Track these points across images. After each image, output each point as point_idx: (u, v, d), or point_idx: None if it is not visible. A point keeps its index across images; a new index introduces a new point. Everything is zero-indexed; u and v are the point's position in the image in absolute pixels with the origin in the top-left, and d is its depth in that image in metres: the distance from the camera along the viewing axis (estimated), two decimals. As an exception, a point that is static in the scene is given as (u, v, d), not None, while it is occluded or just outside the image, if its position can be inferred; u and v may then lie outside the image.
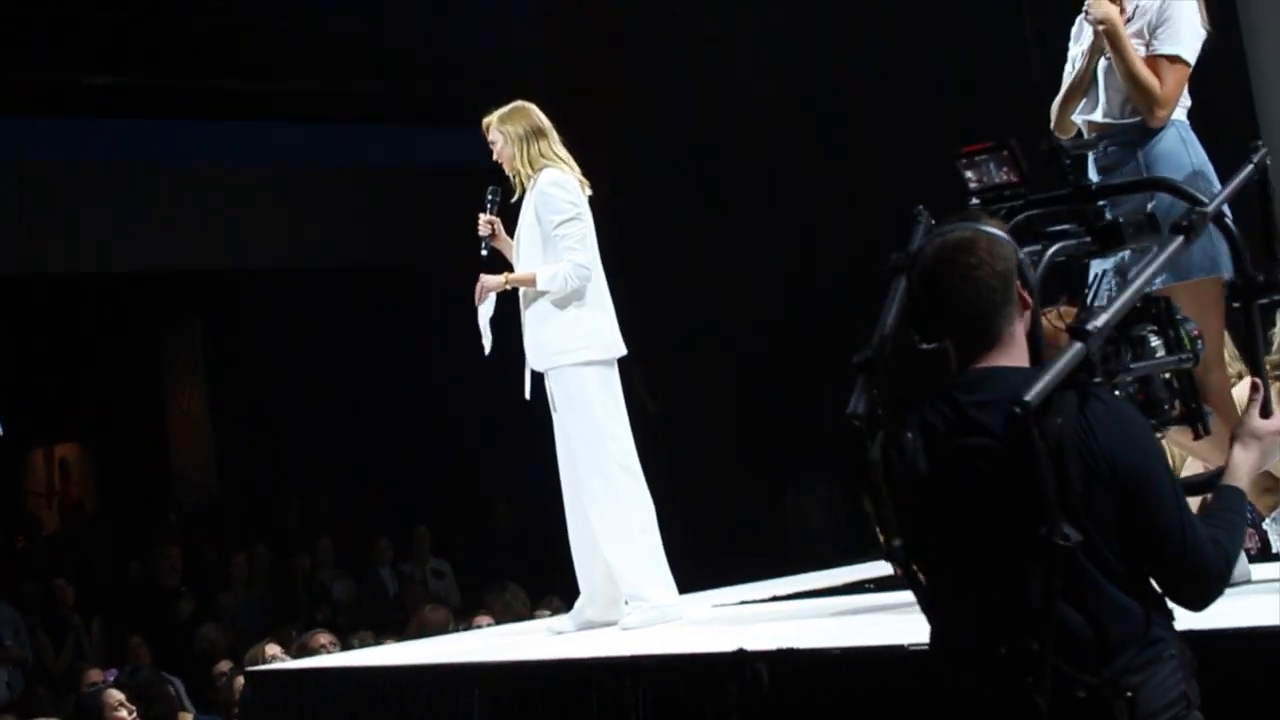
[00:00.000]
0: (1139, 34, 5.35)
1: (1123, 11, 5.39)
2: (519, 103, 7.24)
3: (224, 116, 15.95)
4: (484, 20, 16.15)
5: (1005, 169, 4.34)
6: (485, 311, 7.18)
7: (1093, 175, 5.32)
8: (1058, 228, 4.58)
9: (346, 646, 9.64)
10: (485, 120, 7.22)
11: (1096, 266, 5.22)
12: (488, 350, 7.21)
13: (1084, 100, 5.47)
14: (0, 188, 14.86)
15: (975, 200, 4.28)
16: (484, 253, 7.21)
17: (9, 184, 14.89)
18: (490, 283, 7.12)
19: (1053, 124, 5.52)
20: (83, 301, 17.47)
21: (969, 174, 4.36)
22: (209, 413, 18.55)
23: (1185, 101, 5.43)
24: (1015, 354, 3.50)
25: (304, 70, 16.33)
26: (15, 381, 16.18)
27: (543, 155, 7.09)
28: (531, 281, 7.03)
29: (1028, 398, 3.29)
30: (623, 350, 7.14)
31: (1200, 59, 5.40)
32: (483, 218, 7.21)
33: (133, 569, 14.25)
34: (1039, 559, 3.29)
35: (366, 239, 16.73)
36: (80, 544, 16.40)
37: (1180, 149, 5.22)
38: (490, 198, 7.21)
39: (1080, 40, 5.53)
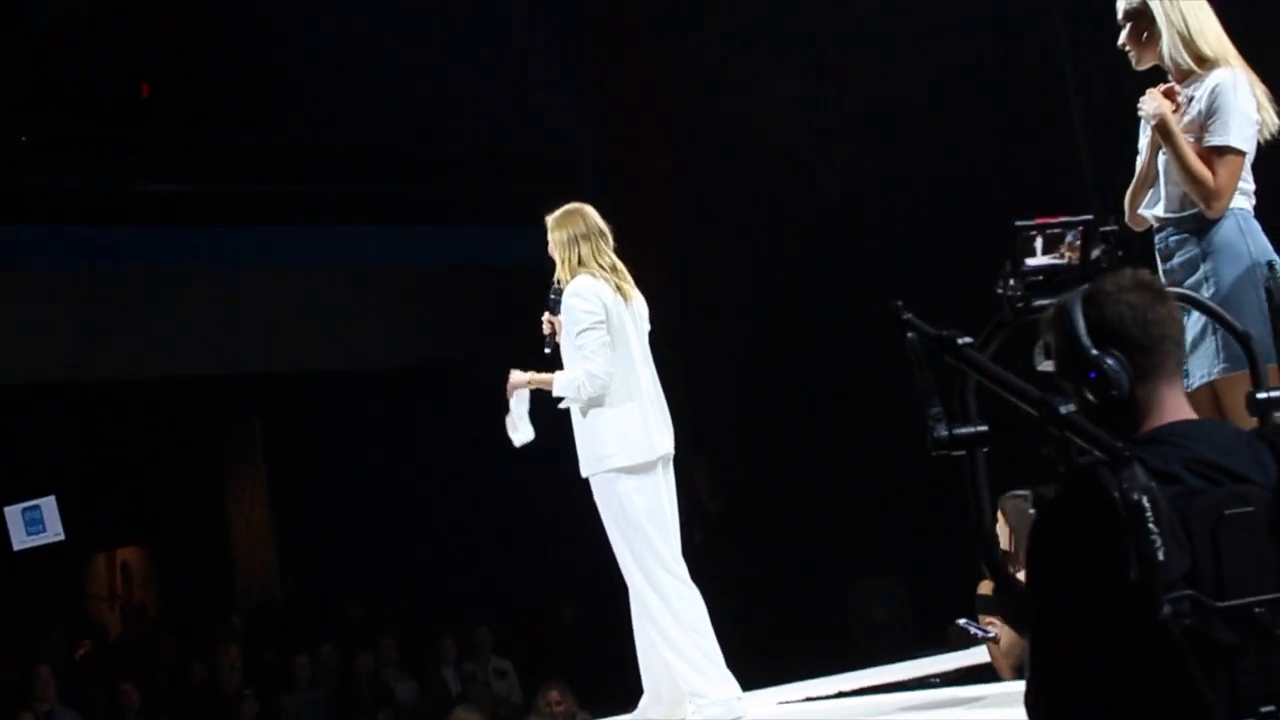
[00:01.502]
0: (1191, 126, 5.34)
1: (1176, 108, 5.37)
2: (572, 206, 7.24)
3: (281, 221, 16.07)
4: (536, 118, 16.25)
5: (1068, 249, 4.10)
6: (516, 405, 7.20)
7: (1158, 263, 5.30)
8: None
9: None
10: (546, 220, 7.27)
11: None
12: (517, 444, 7.24)
13: (1149, 194, 5.45)
14: (60, 295, 14.97)
15: (1009, 284, 4.05)
16: (547, 350, 7.23)
17: (69, 291, 15.00)
18: (516, 380, 7.19)
19: (1126, 217, 5.50)
20: (142, 406, 17.57)
21: (1034, 246, 4.10)
22: (270, 514, 18.59)
23: (1247, 188, 5.39)
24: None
25: (359, 172, 16.47)
26: (76, 485, 16.24)
27: (581, 263, 7.10)
28: (550, 384, 7.07)
29: None
30: (659, 451, 7.06)
31: (1265, 148, 5.37)
32: (546, 317, 7.24)
33: (195, 671, 14.24)
34: None
35: (423, 338, 16.78)
36: (143, 648, 16.42)
37: (1238, 239, 5.18)
38: (553, 297, 7.22)
39: (1146, 132, 5.51)
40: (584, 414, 7.04)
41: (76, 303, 15.05)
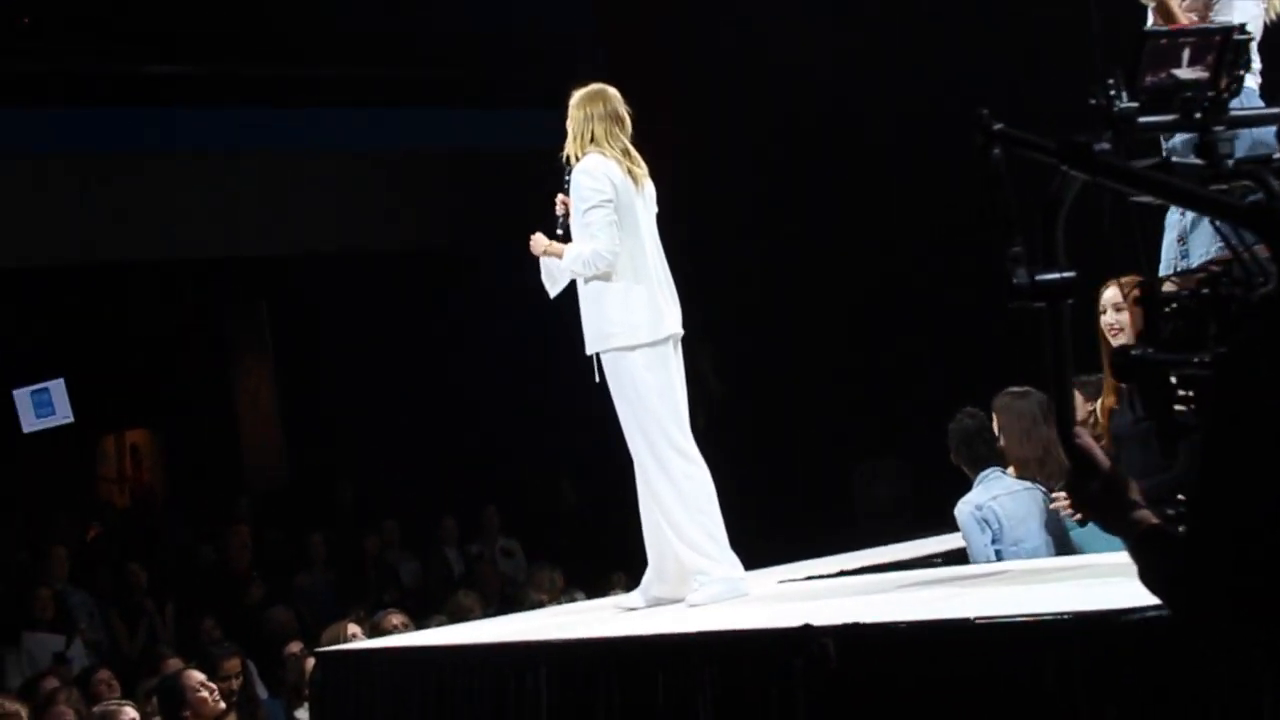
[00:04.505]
0: (1194, 6, 5.30)
1: None
2: (597, 86, 7.26)
3: (292, 103, 16.01)
4: (539, 3, 16.14)
5: (1201, 63, 3.32)
6: (545, 263, 7.25)
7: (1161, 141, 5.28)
8: None
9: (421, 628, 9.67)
10: (571, 96, 7.28)
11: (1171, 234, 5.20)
12: (552, 295, 7.31)
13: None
14: (70, 178, 14.95)
15: (1121, 97, 3.17)
16: (559, 231, 7.25)
17: (78, 174, 14.99)
18: (534, 245, 7.24)
19: None
20: (152, 288, 17.60)
21: (1179, 57, 3.30)
22: (277, 397, 18.65)
23: (1254, 68, 5.37)
24: None
25: (369, 55, 16.39)
26: (85, 369, 16.31)
27: (593, 141, 7.10)
28: (560, 255, 7.12)
29: None
30: (669, 330, 7.11)
31: (1270, 33, 5.35)
32: (559, 198, 7.25)
33: (204, 553, 14.35)
34: None
35: (431, 222, 16.77)
36: (152, 529, 16.53)
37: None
38: (566, 178, 7.23)
39: (1150, 18, 5.48)
40: (593, 292, 7.07)
41: (87, 186, 15.03)
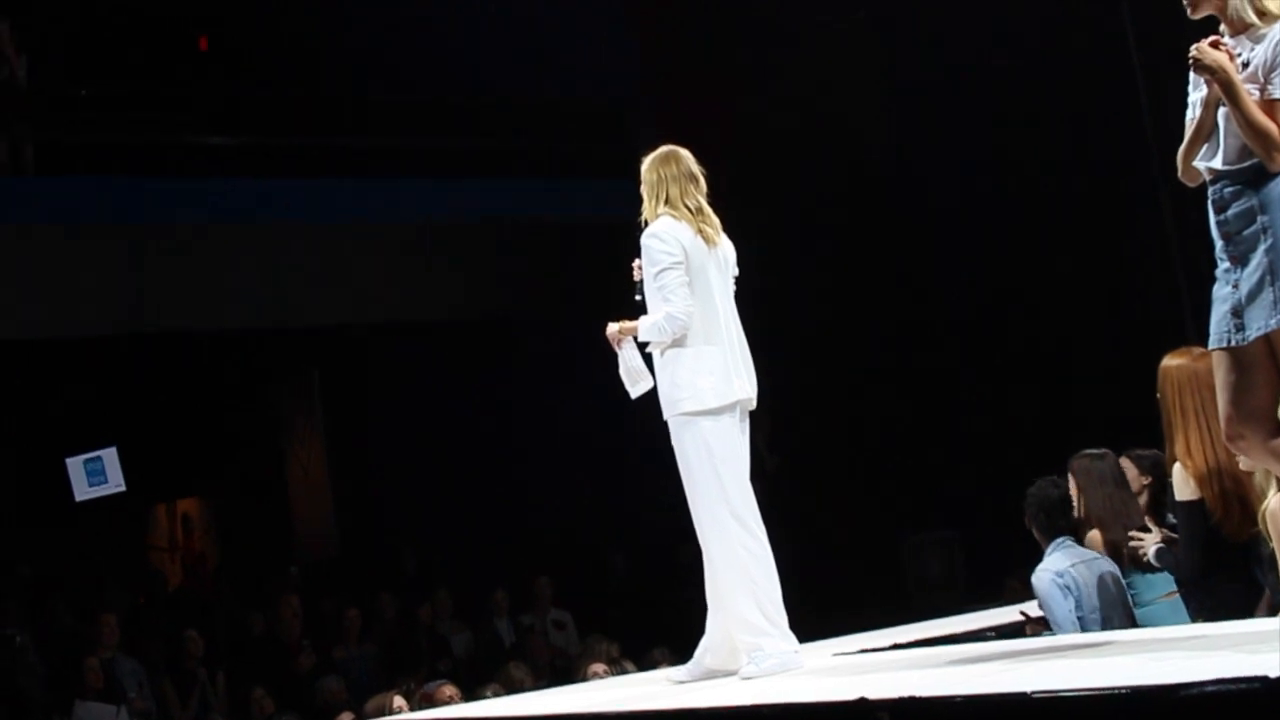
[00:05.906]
0: (1251, 78, 5.29)
1: (1232, 58, 5.32)
2: (668, 148, 7.27)
3: (340, 173, 16.11)
4: (589, 73, 16.22)
5: None
6: (625, 358, 7.18)
7: (1210, 215, 5.29)
8: None
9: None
10: (642, 161, 7.30)
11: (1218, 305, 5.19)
12: (634, 395, 7.20)
13: (1205, 147, 5.40)
14: (122, 248, 15.05)
15: None
16: (637, 298, 7.20)
17: (130, 245, 15.08)
18: (609, 331, 7.17)
19: (1179, 172, 5.46)
20: (203, 358, 17.70)
21: None
22: (328, 466, 18.70)
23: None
24: None
25: (419, 126, 16.51)
26: (137, 438, 16.36)
27: (668, 203, 7.10)
28: (635, 331, 7.08)
29: None
30: (738, 395, 7.00)
31: None
32: (635, 263, 7.22)
33: (255, 622, 14.38)
34: None
35: (481, 292, 16.79)
36: (203, 598, 16.58)
37: None
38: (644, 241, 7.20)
39: (1199, 87, 5.46)
40: (667, 358, 7.01)
41: (140, 255, 15.12)
